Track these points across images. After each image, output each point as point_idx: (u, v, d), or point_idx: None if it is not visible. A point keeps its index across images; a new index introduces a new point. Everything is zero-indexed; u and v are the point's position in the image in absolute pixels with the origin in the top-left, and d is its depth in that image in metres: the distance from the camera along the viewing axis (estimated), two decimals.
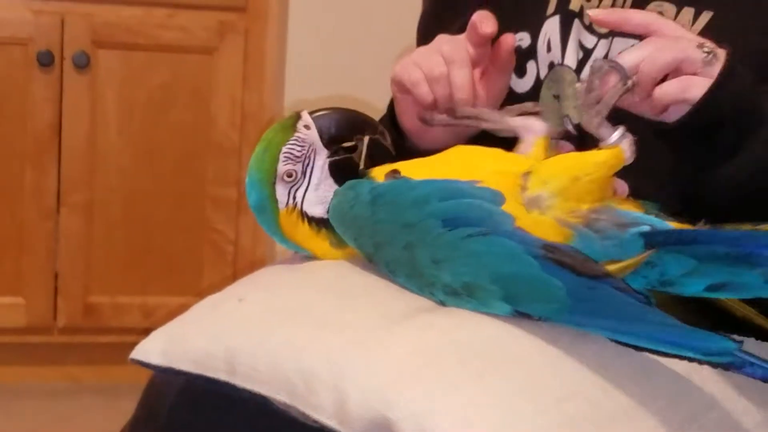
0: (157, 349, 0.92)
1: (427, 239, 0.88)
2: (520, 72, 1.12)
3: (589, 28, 1.09)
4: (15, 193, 2.37)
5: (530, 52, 1.12)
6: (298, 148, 0.95)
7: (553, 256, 0.84)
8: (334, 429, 0.82)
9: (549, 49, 1.11)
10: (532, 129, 0.96)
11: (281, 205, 0.96)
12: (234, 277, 2.42)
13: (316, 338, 0.85)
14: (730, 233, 0.83)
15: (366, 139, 0.98)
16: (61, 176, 2.38)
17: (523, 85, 1.12)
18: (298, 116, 0.97)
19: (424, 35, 1.28)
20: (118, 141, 2.41)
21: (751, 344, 0.91)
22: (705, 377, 0.89)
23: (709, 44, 0.91)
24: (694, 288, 0.84)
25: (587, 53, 1.08)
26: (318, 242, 0.97)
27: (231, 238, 2.46)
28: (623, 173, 0.93)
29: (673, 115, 0.92)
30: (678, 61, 0.90)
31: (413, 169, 0.94)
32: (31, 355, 2.48)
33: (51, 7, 2.33)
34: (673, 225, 0.88)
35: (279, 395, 0.85)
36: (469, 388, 0.81)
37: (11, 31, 2.32)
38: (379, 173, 0.96)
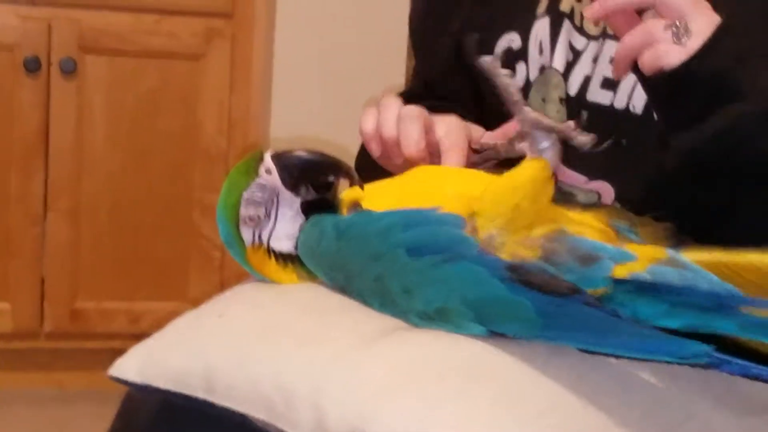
0: (135, 366, 0.91)
1: (395, 269, 0.88)
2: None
3: (580, 30, 1.09)
4: (1, 199, 2.37)
5: (520, 54, 1.11)
6: (259, 194, 0.95)
7: (518, 276, 0.84)
8: None
9: (541, 52, 1.11)
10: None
11: (247, 243, 0.96)
12: (221, 283, 2.42)
13: (294, 356, 0.85)
14: (703, 291, 0.83)
15: (341, 180, 0.98)
16: (48, 182, 2.38)
17: None
18: (260, 158, 0.96)
19: (421, 34, 1.27)
20: (106, 147, 2.41)
21: None
22: (683, 388, 0.89)
23: (681, 22, 0.92)
24: (668, 325, 0.84)
25: (577, 55, 1.08)
26: (286, 276, 0.97)
27: (218, 244, 2.45)
28: (611, 177, 0.94)
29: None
30: (646, 44, 0.92)
31: (374, 197, 0.94)
32: (17, 360, 2.48)
33: (38, 13, 2.33)
34: (631, 249, 0.87)
35: (258, 413, 0.85)
36: (448, 404, 0.80)
37: None
38: (343, 203, 0.96)
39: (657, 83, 0.94)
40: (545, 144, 0.93)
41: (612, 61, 0.99)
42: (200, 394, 0.87)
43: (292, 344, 0.86)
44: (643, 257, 0.88)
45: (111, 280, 2.45)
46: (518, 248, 0.87)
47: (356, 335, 0.86)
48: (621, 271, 0.86)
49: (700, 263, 0.87)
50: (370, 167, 1.08)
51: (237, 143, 2.44)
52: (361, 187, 0.99)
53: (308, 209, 0.97)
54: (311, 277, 0.97)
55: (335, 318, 0.90)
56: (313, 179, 0.96)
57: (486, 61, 0.95)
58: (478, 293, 0.85)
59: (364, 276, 0.90)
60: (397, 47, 2.48)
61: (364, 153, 1.11)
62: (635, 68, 0.96)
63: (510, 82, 0.95)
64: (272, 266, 0.97)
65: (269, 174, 0.96)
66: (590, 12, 0.95)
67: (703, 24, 0.92)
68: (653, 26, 0.92)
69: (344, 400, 0.81)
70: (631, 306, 0.84)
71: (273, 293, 0.95)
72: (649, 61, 0.93)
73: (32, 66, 2.31)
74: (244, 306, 0.95)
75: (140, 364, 0.91)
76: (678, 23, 0.92)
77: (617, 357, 0.85)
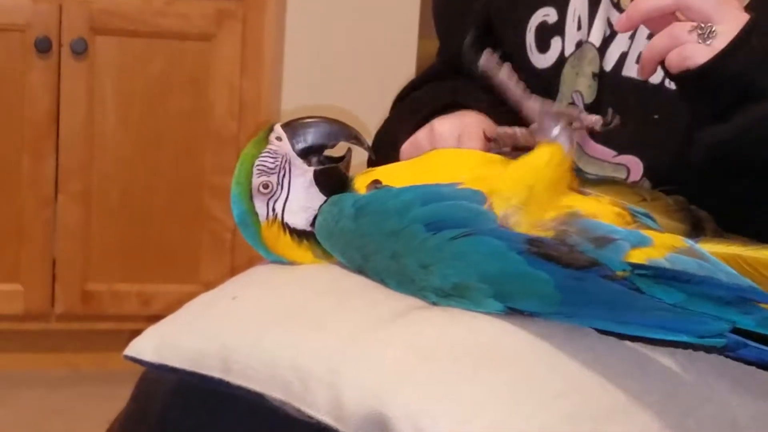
0: (151, 346, 0.92)
1: (413, 245, 0.88)
2: (543, 47, 1.12)
3: (617, 6, 1.08)
4: (13, 181, 2.36)
5: (556, 28, 1.11)
6: (271, 160, 0.95)
7: (538, 250, 0.84)
8: (330, 425, 0.82)
9: (579, 27, 1.10)
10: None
11: (262, 218, 0.96)
12: (232, 265, 2.42)
13: (311, 336, 0.85)
14: (722, 282, 0.83)
15: (351, 150, 0.98)
16: (59, 164, 2.38)
17: (544, 61, 1.12)
18: (270, 128, 0.97)
19: (444, 14, 1.27)
20: (116, 128, 2.40)
21: None
22: (701, 370, 0.89)
23: (706, 24, 0.92)
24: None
25: (614, 30, 1.08)
26: (301, 253, 0.97)
27: (229, 227, 2.45)
28: (642, 152, 0.93)
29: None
30: (672, 47, 0.93)
31: (393, 177, 0.94)
32: (29, 342, 2.48)
33: None
34: (650, 233, 0.87)
35: (274, 392, 0.85)
36: (465, 385, 0.80)
37: (9, 17, 2.31)
38: (361, 184, 0.96)
39: (683, 82, 0.95)
40: (555, 131, 0.92)
41: (638, 60, 1.00)
42: (216, 373, 0.87)
43: (308, 325, 0.86)
44: (661, 245, 0.88)
45: (122, 262, 2.45)
46: (532, 229, 0.87)
47: (373, 316, 0.86)
48: (638, 256, 0.86)
49: (717, 255, 0.87)
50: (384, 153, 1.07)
51: (248, 125, 2.43)
52: (373, 157, 0.99)
53: (321, 179, 0.96)
54: (326, 256, 0.96)
55: (351, 299, 0.89)
56: (324, 144, 0.96)
57: (483, 62, 0.95)
58: (496, 267, 0.85)
59: (381, 253, 0.90)
60: (409, 29, 2.47)
61: (380, 139, 1.12)
62: (663, 66, 0.96)
63: (508, 77, 0.95)
64: (287, 242, 0.97)
65: (280, 141, 0.96)
66: (620, 25, 0.98)
67: (730, 24, 0.92)
68: (679, 29, 0.93)
69: (361, 381, 0.81)
70: (647, 293, 0.83)
71: (287, 275, 0.95)
72: (675, 62, 0.93)
73: (43, 47, 2.31)
74: (258, 288, 0.95)
75: (156, 344, 0.91)
76: (703, 25, 0.92)
77: (633, 340, 0.85)
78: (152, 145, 2.43)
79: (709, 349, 0.82)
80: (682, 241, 0.88)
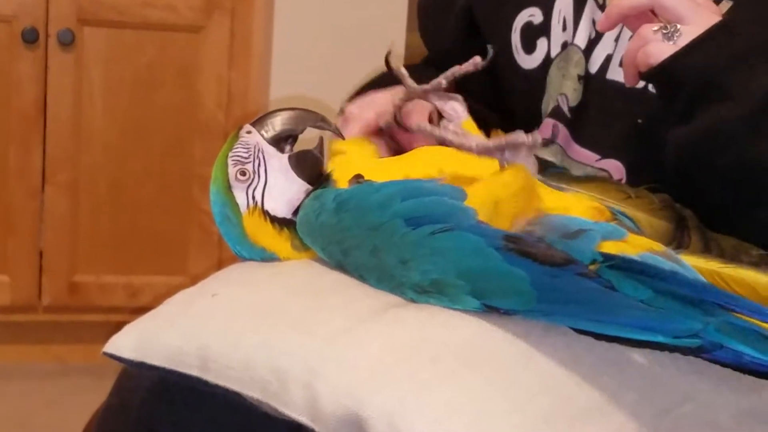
0: (130, 343, 0.92)
1: (393, 240, 0.88)
2: (529, 48, 1.11)
3: (602, 8, 1.08)
4: (0, 172, 2.35)
5: (541, 29, 1.11)
6: (244, 151, 0.97)
7: (515, 246, 0.83)
8: (307, 425, 0.82)
9: (564, 28, 1.10)
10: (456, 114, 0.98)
11: (242, 207, 0.97)
12: (220, 257, 2.42)
13: (288, 336, 0.85)
14: (690, 280, 0.83)
15: (323, 139, 1.00)
16: (47, 155, 2.37)
17: (530, 61, 1.12)
18: (240, 128, 0.99)
19: (428, 11, 1.27)
20: (104, 119, 2.39)
21: None
22: (681, 369, 0.88)
23: (670, 25, 0.93)
24: None
25: (599, 33, 1.08)
26: (280, 242, 0.97)
27: None
28: (625, 156, 0.93)
29: None
30: (640, 46, 0.95)
31: (376, 173, 0.95)
32: (15, 334, 2.47)
33: None
34: (627, 233, 0.88)
35: (252, 392, 0.85)
36: (441, 385, 0.80)
37: None
38: (343, 179, 0.96)
39: (648, 80, 0.96)
40: (506, 157, 0.93)
41: (621, 64, 1.00)
42: (195, 372, 0.88)
43: (286, 324, 0.86)
44: (638, 244, 0.87)
45: (110, 253, 2.44)
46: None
47: (350, 315, 0.86)
48: (610, 248, 0.85)
49: (695, 268, 0.87)
50: None
51: (236, 117, 2.42)
52: (342, 138, 1.02)
53: (297, 163, 0.97)
54: (305, 248, 0.97)
55: (329, 297, 0.89)
56: (292, 129, 0.98)
57: (416, 127, 0.98)
58: (474, 263, 0.84)
59: (362, 248, 0.90)
60: (397, 22, 2.47)
61: None
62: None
63: (442, 130, 0.96)
64: (268, 230, 0.97)
65: (249, 133, 0.98)
66: (600, 25, 0.99)
67: (698, 26, 0.93)
68: (646, 29, 0.94)
69: (337, 381, 0.81)
70: (618, 289, 0.83)
71: (267, 273, 0.95)
72: (641, 60, 0.94)
73: (30, 37, 2.30)
74: (237, 286, 0.95)
75: (135, 342, 0.92)
76: (668, 24, 0.93)
77: (609, 340, 0.84)
78: (140, 136, 2.42)
79: (684, 351, 0.81)
80: (661, 247, 0.89)
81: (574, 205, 0.92)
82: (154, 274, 2.45)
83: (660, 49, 0.93)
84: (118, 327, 0.94)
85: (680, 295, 0.81)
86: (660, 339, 0.80)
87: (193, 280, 0.99)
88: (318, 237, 0.94)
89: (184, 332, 0.89)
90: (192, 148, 2.43)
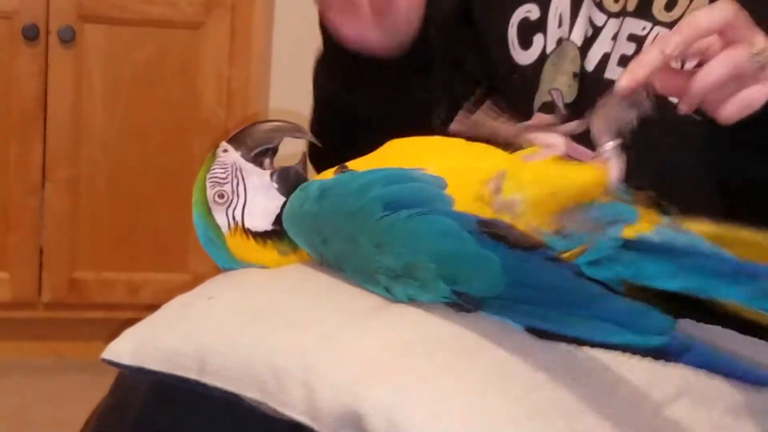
0: (128, 349, 0.92)
1: (369, 224, 0.87)
2: (525, 44, 1.11)
3: (599, 6, 1.07)
4: (0, 168, 2.36)
5: (538, 25, 1.11)
6: (221, 171, 0.97)
7: (488, 230, 0.83)
8: (306, 424, 0.82)
9: (560, 24, 1.10)
10: (552, 147, 0.90)
11: (224, 228, 0.97)
12: None
13: (285, 336, 0.85)
14: (719, 254, 0.81)
15: (306, 154, 1.00)
16: (47, 151, 2.37)
17: (526, 57, 1.11)
18: (216, 146, 0.98)
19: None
20: (104, 116, 2.39)
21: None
22: (675, 365, 0.86)
23: (759, 48, 0.83)
24: (669, 286, 0.82)
25: (596, 31, 1.07)
26: (267, 254, 0.97)
27: None
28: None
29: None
30: (731, 76, 0.83)
31: (362, 166, 0.94)
32: (15, 330, 2.48)
33: None
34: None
35: (250, 392, 0.85)
36: (438, 380, 0.80)
37: None
38: (329, 172, 0.96)
39: (747, 122, 0.85)
40: (610, 146, 0.87)
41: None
42: (193, 375, 0.88)
43: (282, 325, 0.87)
44: (646, 219, 0.87)
45: (110, 250, 2.44)
46: (535, 222, 0.85)
47: (346, 314, 0.87)
48: (629, 232, 0.85)
49: (697, 232, 0.86)
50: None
51: (236, 114, 2.43)
52: (319, 144, 1.00)
53: (279, 180, 0.97)
54: (292, 250, 0.97)
55: (325, 297, 0.90)
56: (268, 143, 0.98)
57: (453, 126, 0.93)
58: (446, 246, 0.84)
59: (340, 235, 0.90)
60: None
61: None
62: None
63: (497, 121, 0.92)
64: (252, 247, 0.97)
65: (226, 152, 0.97)
66: (622, 86, 0.84)
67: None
68: (739, 54, 0.82)
69: (335, 379, 0.81)
70: (635, 265, 0.82)
71: (261, 276, 0.96)
72: (737, 110, 0.84)
73: (30, 34, 2.30)
74: (233, 289, 0.95)
75: (132, 347, 0.92)
76: (757, 51, 0.82)
77: (569, 342, 0.83)
78: (140, 133, 2.42)
79: (647, 353, 0.79)
80: (661, 218, 0.87)
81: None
82: (154, 271, 2.45)
83: (758, 92, 0.83)
84: (118, 324, 0.95)
85: (707, 268, 0.80)
86: (626, 335, 0.78)
87: (193, 277, 1.00)
88: (300, 226, 0.94)
89: (181, 335, 0.90)
90: (192, 144, 2.43)
